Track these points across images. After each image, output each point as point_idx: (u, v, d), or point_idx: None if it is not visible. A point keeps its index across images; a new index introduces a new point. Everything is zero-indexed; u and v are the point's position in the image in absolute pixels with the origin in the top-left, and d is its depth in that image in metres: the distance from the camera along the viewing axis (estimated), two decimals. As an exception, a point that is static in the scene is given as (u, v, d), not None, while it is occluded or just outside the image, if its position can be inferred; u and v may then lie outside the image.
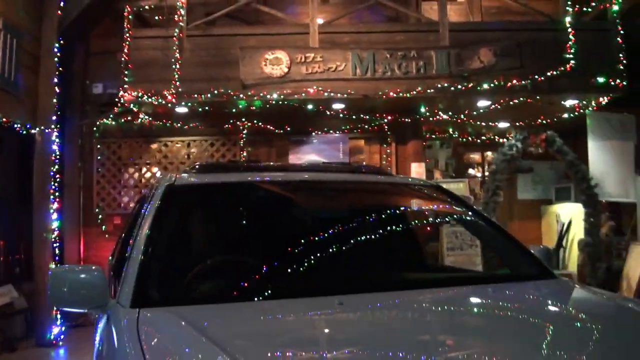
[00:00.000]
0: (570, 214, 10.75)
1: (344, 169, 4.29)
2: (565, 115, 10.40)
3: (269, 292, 2.65)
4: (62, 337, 8.58)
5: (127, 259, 2.82)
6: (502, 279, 3.34)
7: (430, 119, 10.06)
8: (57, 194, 8.80)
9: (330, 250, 3.02)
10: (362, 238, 3.19)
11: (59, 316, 8.54)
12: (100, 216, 10.32)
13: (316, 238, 3.12)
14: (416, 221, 4.02)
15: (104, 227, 10.28)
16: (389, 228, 3.46)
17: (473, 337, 2.26)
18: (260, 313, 2.52)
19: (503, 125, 10.78)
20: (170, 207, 3.11)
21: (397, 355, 1.92)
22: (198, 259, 3.12)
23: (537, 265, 3.25)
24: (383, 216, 3.53)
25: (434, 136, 11.44)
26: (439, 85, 9.01)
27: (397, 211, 3.72)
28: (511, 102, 9.38)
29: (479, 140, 11.56)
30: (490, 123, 10.71)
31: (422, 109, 9.83)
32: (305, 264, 2.89)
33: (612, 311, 2.68)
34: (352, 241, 3.13)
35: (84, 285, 2.65)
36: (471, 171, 12.21)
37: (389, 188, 3.89)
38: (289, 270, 2.84)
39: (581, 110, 10.24)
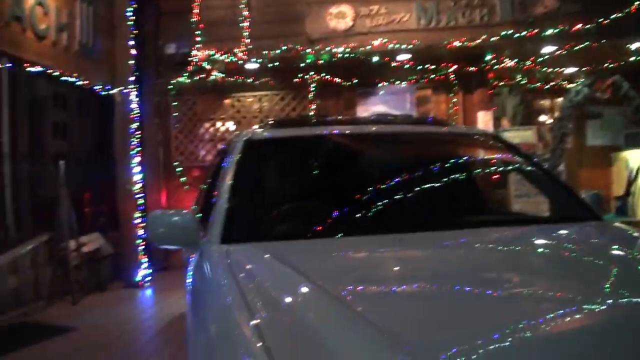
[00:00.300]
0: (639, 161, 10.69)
1: (407, 120, 4.56)
2: (633, 59, 10.28)
3: (339, 230, 2.97)
4: (147, 279, 9.22)
5: (213, 204, 3.20)
6: (550, 220, 3.60)
7: (496, 67, 10.11)
8: (138, 149, 9.32)
9: (393, 194, 3.28)
10: (423, 184, 3.45)
11: (144, 261, 9.17)
12: (179, 169, 10.81)
13: (380, 184, 3.37)
14: (474, 168, 4.23)
15: (183, 179, 10.77)
16: (448, 175, 3.68)
17: (523, 272, 2.46)
18: (331, 247, 2.83)
19: (571, 70, 10.73)
20: (249, 159, 3.45)
21: (461, 289, 2.14)
22: (275, 203, 3.44)
23: (584, 208, 3.47)
24: (442, 164, 3.71)
25: (501, 84, 11.43)
26: (503, 33, 9.06)
27: (456, 159, 3.93)
28: (576, 48, 9.35)
29: (547, 87, 11.48)
30: (557, 69, 10.69)
31: (487, 57, 9.89)
32: (370, 207, 3.17)
33: None
34: (413, 187, 3.39)
35: (178, 226, 3.04)
36: (542, 118, 12.17)
37: (448, 138, 4.10)
38: (356, 212, 3.13)
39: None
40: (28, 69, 7.48)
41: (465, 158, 4.07)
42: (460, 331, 1.68)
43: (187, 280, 3.69)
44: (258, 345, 1.67)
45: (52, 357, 5.76)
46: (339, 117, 7.11)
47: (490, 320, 1.77)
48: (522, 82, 11.42)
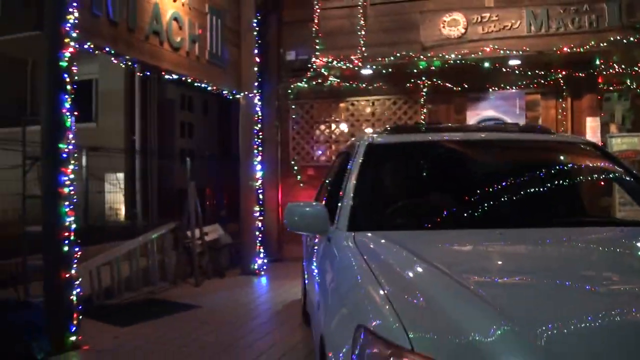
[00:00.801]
0: None
1: (511, 128, 4.93)
2: None
3: (447, 224, 3.51)
4: (264, 268, 9.90)
5: (340, 198, 3.77)
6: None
7: (604, 72, 10.15)
8: (259, 149, 10.03)
9: (497, 195, 3.75)
10: (524, 186, 3.88)
11: (261, 251, 9.86)
12: (295, 168, 11.43)
13: (485, 185, 3.82)
14: (574, 174, 4.53)
15: (299, 177, 11.39)
16: (548, 179, 4.06)
17: (612, 268, 2.80)
18: (441, 236, 3.33)
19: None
20: (370, 161, 3.97)
21: (555, 277, 2.56)
22: (392, 200, 4.00)
23: None
24: (543, 169, 4.13)
25: (611, 88, 11.38)
26: (612, 38, 9.17)
27: (557, 165, 4.32)
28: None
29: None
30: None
31: (597, 62, 9.96)
32: (475, 205, 3.66)
33: None
34: (515, 188, 3.84)
35: (310, 216, 3.61)
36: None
37: (549, 145, 4.46)
38: (462, 209, 3.64)
39: None
40: (165, 76, 8.31)
41: (566, 164, 4.41)
42: (556, 312, 2.06)
43: (314, 260, 4.28)
44: (387, 307, 2.16)
45: (180, 328, 6.46)
46: (449, 125, 7.51)
47: (580, 306, 2.14)
48: (632, 87, 11.33)
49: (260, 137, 10.14)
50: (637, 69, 10.05)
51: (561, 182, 4.21)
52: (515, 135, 4.58)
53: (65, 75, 5.70)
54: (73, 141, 5.71)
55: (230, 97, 9.84)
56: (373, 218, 3.66)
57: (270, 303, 7.91)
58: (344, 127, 11.49)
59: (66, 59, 5.69)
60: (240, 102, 9.92)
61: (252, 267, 9.80)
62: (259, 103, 10.14)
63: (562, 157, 4.43)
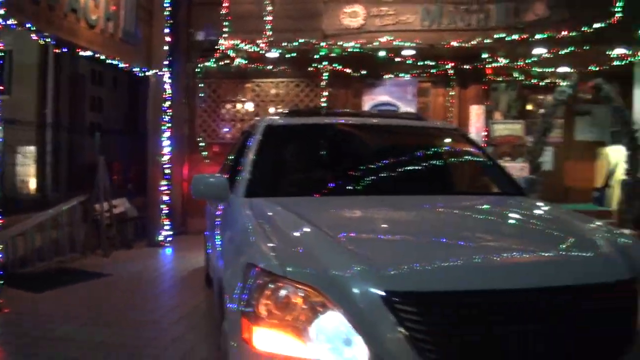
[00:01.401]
0: (619, 157, 11.61)
1: (387, 115, 5.76)
2: (615, 63, 11.27)
3: (329, 191, 4.24)
4: (169, 240, 10.43)
5: (239, 171, 4.43)
6: (493, 193, 4.77)
7: (490, 65, 11.17)
8: (167, 125, 10.49)
9: (375, 168, 4.56)
10: (399, 161, 4.71)
11: (166, 224, 10.38)
12: (201, 144, 11.96)
13: (365, 161, 4.65)
14: (440, 153, 5.36)
15: (205, 153, 11.93)
16: (418, 156, 4.93)
17: (463, 221, 3.71)
18: (322, 201, 4.05)
19: (563, 70, 11.71)
20: (267, 139, 4.65)
21: (415, 231, 3.37)
22: (285, 172, 4.76)
23: (514, 186, 4.63)
24: (415, 148, 5.00)
25: (499, 79, 12.46)
26: (497, 36, 10.14)
27: (427, 145, 5.17)
28: (562, 52, 10.39)
29: (542, 84, 12.46)
30: (547, 69, 11.71)
31: (484, 56, 10.95)
32: (356, 177, 4.44)
33: (548, 212, 4.05)
34: (392, 163, 4.64)
35: (215, 185, 4.25)
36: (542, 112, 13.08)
37: (423, 130, 5.36)
38: (348, 180, 4.40)
39: (628, 59, 11.13)
40: (80, 53, 8.65)
41: (436, 145, 5.27)
42: (408, 257, 2.81)
43: (217, 224, 4.99)
44: (272, 252, 2.85)
45: (91, 294, 6.96)
46: (338, 110, 8.32)
47: (430, 250, 2.95)
48: (519, 79, 12.44)
49: (169, 114, 10.58)
50: (520, 63, 11.11)
51: (431, 159, 5.07)
52: (394, 120, 5.50)
53: None
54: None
55: (141, 75, 10.24)
56: (266, 187, 4.29)
57: (175, 271, 8.50)
58: (249, 106, 12.08)
59: None
60: (150, 80, 10.33)
61: (157, 239, 10.31)
62: (169, 81, 10.55)
63: (433, 140, 5.30)
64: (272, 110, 11.82)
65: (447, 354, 2.44)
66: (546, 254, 2.97)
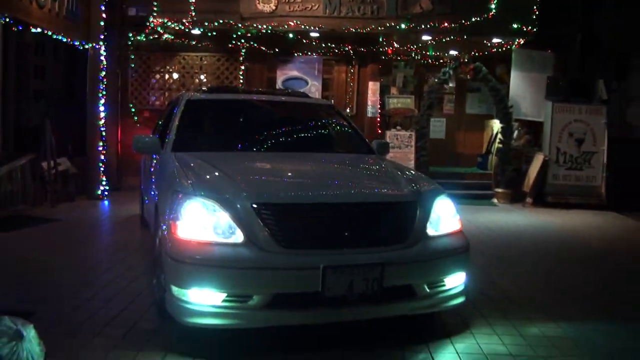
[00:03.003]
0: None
1: (282, 93, 7.66)
2: (494, 50, 13.35)
3: (239, 147, 6.13)
4: (106, 194, 11.99)
5: (168, 132, 6.21)
6: (351, 152, 6.64)
7: (383, 49, 13.11)
8: (103, 93, 11.98)
9: (270, 132, 6.56)
10: (285, 127, 6.78)
11: (103, 180, 11.94)
12: (133, 110, 13.48)
13: (262, 127, 6.65)
14: (317, 122, 7.13)
15: (136, 118, 13.46)
16: (301, 124, 6.97)
17: (323, 167, 5.74)
18: (227, 155, 5.81)
19: (453, 52, 13.67)
20: (188, 110, 6.42)
21: (287, 172, 5.47)
22: (200, 134, 6.48)
23: (367, 148, 6.60)
24: (299, 118, 7.04)
25: (399, 58, 14.40)
26: (388, 24, 12.02)
27: (307, 116, 7.13)
28: (444, 40, 12.38)
29: (437, 63, 14.43)
30: (439, 52, 13.71)
31: (380, 40, 12.86)
32: (254, 138, 6.36)
33: (381, 165, 5.99)
34: (281, 128, 6.72)
35: (150, 143, 6.10)
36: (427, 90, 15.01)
37: (306, 104, 7.38)
38: (245, 140, 6.29)
39: (508, 47, 13.21)
40: (32, 30, 10.05)
41: (313, 116, 7.20)
42: (269, 186, 4.86)
43: (151, 171, 6.83)
44: (189, 183, 4.72)
45: (48, 233, 8.62)
46: (245, 88, 10.24)
47: (282, 182, 5.12)
48: (416, 58, 14.38)
49: (104, 82, 12.04)
50: (419, 45, 12.99)
51: (311, 126, 7.04)
52: (284, 97, 7.56)
53: None
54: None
55: (81, 48, 11.68)
56: (187, 145, 5.89)
57: (115, 217, 10.22)
58: (176, 77, 13.67)
59: None
60: (89, 52, 11.78)
61: (96, 193, 11.84)
62: (104, 53, 12.00)
63: (313, 112, 7.32)
64: (196, 80, 13.47)
65: (282, 232, 4.31)
66: (358, 184, 5.16)
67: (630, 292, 6.54)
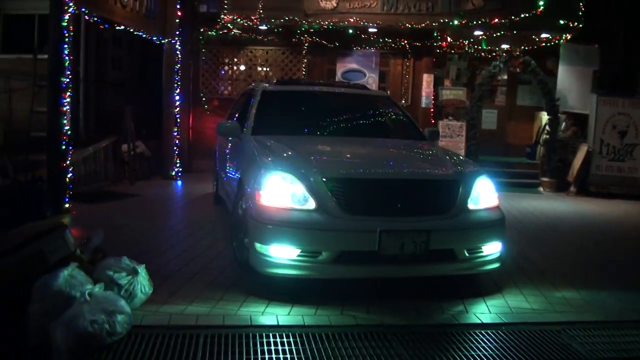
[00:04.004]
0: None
1: (342, 85, 8.74)
2: (543, 45, 13.97)
3: (306, 131, 7.05)
4: (179, 174, 13.10)
5: (247, 119, 7.17)
6: (407, 138, 7.42)
7: (437, 43, 13.89)
8: (178, 83, 13.08)
9: (333, 119, 7.45)
10: (345, 115, 7.61)
11: (177, 162, 13.05)
12: (203, 99, 14.55)
13: (329, 115, 7.52)
14: (376, 112, 7.99)
15: (206, 106, 14.52)
16: (364, 112, 7.85)
17: (386, 152, 6.64)
18: (302, 138, 6.73)
19: (505, 46, 14.33)
20: (264, 99, 7.36)
21: (358, 154, 6.37)
22: (276, 120, 7.18)
23: (419, 135, 7.45)
24: (361, 107, 7.93)
25: (452, 51, 15.12)
26: (442, 20, 12.80)
27: (368, 105, 8.01)
28: (495, 35, 13.09)
29: (489, 56, 15.06)
30: (486, 47, 14.40)
31: (434, 35, 13.65)
32: (324, 125, 7.27)
33: (431, 150, 6.82)
34: (342, 116, 7.57)
35: (232, 127, 7.22)
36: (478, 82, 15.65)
37: (365, 95, 8.26)
38: (317, 126, 7.20)
39: (556, 41, 13.83)
40: (117, 27, 11.18)
41: (370, 105, 8.07)
42: (337, 164, 5.85)
43: (227, 154, 7.93)
44: (270, 160, 5.70)
45: (130, 205, 9.74)
46: (313, 81, 11.11)
47: (349, 160, 6.17)
48: (470, 52, 15.08)
49: (179, 74, 13.16)
50: (470, 40, 13.71)
51: (369, 114, 7.90)
52: (344, 89, 8.49)
53: (65, 32, 8.54)
54: (70, 76, 8.70)
55: (158, 42, 12.80)
56: (263, 129, 6.82)
57: (189, 195, 11.33)
58: (242, 68, 14.69)
59: (66, 20, 8.55)
60: (165, 47, 12.89)
61: (170, 174, 12.96)
62: (179, 47, 13.12)
63: (369, 102, 8.21)
64: (261, 72, 14.50)
65: (347, 202, 5.19)
66: (410, 164, 6.13)
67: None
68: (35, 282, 4.26)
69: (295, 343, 4.33)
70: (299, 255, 5.12)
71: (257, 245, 5.28)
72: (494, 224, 5.74)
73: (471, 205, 5.63)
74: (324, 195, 5.20)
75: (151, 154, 13.23)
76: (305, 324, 4.75)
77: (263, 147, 6.17)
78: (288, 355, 4.12)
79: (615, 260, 7.54)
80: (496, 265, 5.81)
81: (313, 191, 5.22)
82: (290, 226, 5.14)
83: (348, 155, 6.33)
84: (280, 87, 8.06)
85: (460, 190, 5.58)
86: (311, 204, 5.21)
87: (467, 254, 5.51)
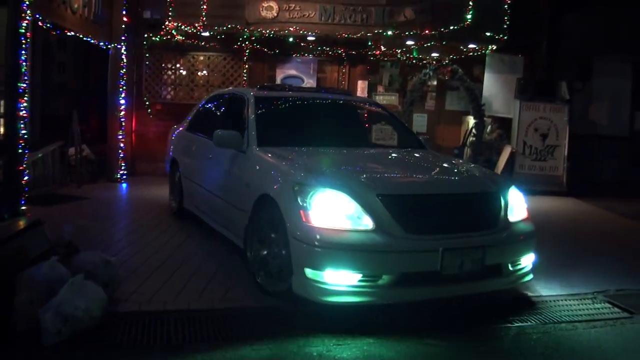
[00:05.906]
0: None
1: (329, 91, 8.65)
2: (471, 54, 14.92)
3: (299, 144, 6.59)
4: (124, 178, 13.46)
5: (243, 129, 6.64)
6: (401, 147, 7.96)
7: (371, 51, 14.70)
8: (123, 87, 13.48)
9: (323, 127, 7.31)
10: (337, 124, 7.67)
11: (122, 165, 13.46)
12: (147, 103, 14.87)
13: (317, 122, 7.36)
14: (364, 118, 8.49)
15: (149, 110, 14.86)
16: (350, 119, 8.19)
17: (384, 160, 6.75)
18: (296, 149, 6.35)
19: (434, 55, 15.21)
20: (260, 107, 6.89)
21: (362, 164, 6.17)
22: (279, 130, 6.85)
23: (417, 142, 7.66)
24: (348, 114, 8.22)
25: (385, 59, 15.91)
26: (376, 31, 13.56)
27: (355, 112, 8.40)
28: (425, 45, 13.95)
29: (420, 63, 15.91)
30: (418, 55, 15.27)
31: (368, 44, 14.44)
32: (318, 134, 7.03)
33: (444, 159, 7.06)
34: (333, 125, 7.56)
35: (232, 137, 6.49)
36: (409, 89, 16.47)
37: (352, 102, 8.52)
38: (322, 135, 7.01)
39: (483, 51, 14.79)
40: (67, 33, 11.52)
41: (359, 112, 8.49)
42: (388, 180, 5.67)
43: (209, 158, 7.59)
44: (309, 174, 5.36)
45: (81, 207, 10.15)
46: (294, 86, 10.99)
47: (392, 176, 5.93)
48: (402, 59, 15.89)
49: (124, 78, 13.56)
50: (403, 49, 14.51)
51: (358, 121, 8.37)
52: (332, 95, 8.16)
53: (22, 38, 8.79)
54: (27, 81, 9.05)
55: (104, 47, 13.19)
56: (269, 140, 6.42)
57: (135, 197, 11.77)
58: (184, 73, 15.15)
59: (23, 27, 8.81)
60: (111, 51, 13.28)
61: (116, 177, 13.31)
62: (125, 52, 13.52)
63: (359, 108, 8.61)
64: (203, 77, 15.02)
65: (406, 220, 4.93)
66: (455, 177, 6.10)
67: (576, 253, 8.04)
68: (21, 275, 4.78)
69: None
70: (359, 281, 4.80)
71: (308, 272, 4.88)
72: (531, 236, 5.74)
73: (511, 217, 5.62)
74: (381, 214, 4.90)
75: (95, 157, 13.60)
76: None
77: (287, 161, 5.89)
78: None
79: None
80: (531, 276, 5.81)
81: (368, 209, 4.91)
82: (350, 249, 4.78)
83: (387, 169, 6.15)
84: (272, 93, 7.65)
85: (502, 202, 5.55)
86: (367, 224, 4.89)
87: (510, 268, 5.51)
